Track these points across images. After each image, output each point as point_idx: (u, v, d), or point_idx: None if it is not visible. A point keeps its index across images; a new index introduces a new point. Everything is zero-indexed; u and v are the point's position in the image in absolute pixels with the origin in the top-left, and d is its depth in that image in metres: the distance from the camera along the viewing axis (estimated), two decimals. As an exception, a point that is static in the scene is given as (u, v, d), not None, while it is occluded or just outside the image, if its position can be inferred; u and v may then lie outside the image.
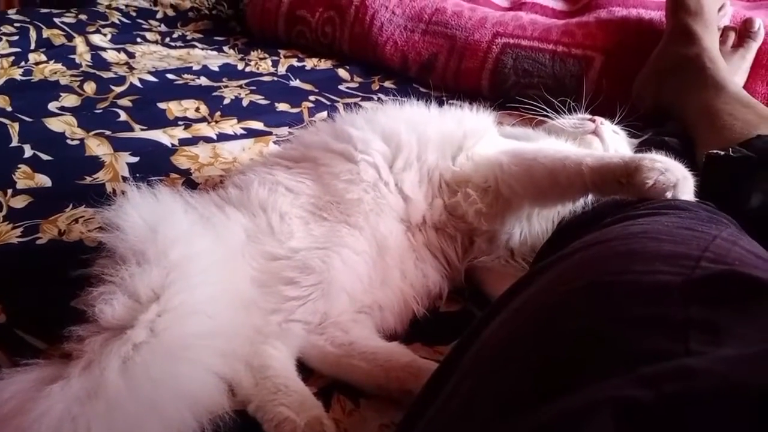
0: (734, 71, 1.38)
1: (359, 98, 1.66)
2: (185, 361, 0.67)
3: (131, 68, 1.67)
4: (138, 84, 1.54)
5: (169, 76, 1.61)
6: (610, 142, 1.08)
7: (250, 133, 1.38)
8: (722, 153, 0.99)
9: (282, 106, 1.53)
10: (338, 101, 1.62)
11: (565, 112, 1.17)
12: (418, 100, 1.69)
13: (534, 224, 0.95)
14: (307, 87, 1.67)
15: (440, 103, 1.67)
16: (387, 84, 1.77)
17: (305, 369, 0.77)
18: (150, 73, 1.61)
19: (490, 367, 0.45)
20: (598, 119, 1.10)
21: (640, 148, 1.16)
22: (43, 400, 0.59)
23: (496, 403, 0.41)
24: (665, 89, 1.37)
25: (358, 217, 0.87)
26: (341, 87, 1.72)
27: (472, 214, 0.93)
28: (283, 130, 1.41)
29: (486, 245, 0.95)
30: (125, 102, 1.45)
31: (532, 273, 0.57)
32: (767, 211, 0.88)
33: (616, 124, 1.17)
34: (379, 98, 1.67)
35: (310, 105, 1.56)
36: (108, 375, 0.61)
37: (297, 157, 0.97)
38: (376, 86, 1.75)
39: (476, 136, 0.99)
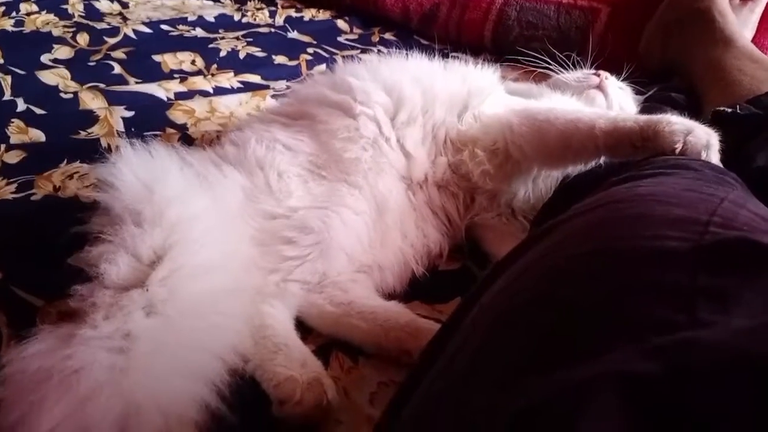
0: (742, 25, 1.35)
1: (359, 50, 1.62)
2: (211, 316, 0.66)
3: (125, 18, 1.63)
4: (132, 35, 1.51)
5: (164, 27, 1.57)
6: (615, 97, 1.05)
7: (247, 87, 1.35)
8: (729, 110, 0.97)
9: (279, 59, 1.50)
10: (337, 54, 1.58)
11: (569, 67, 1.15)
12: (419, 53, 1.67)
13: (539, 184, 0.93)
14: (306, 39, 1.63)
15: (443, 57, 1.65)
16: (387, 36, 1.73)
17: (304, 327, 0.77)
18: (144, 24, 1.57)
19: (493, 332, 0.45)
20: (603, 74, 1.07)
21: (646, 104, 1.14)
22: (77, 347, 0.57)
23: (499, 369, 0.41)
24: (673, 43, 1.34)
25: (357, 176, 0.85)
26: (340, 39, 1.68)
27: (478, 174, 0.91)
28: (281, 84, 1.38)
29: (487, 203, 0.94)
30: (119, 54, 1.42)
31: (534, 237, 0.56)
32: (773, 170, 0.87)
33: (621, 80, 1.14)
34: (379, 51, 1.63)
35: (309, 57, 1.53)
36: (135, 319, 0.61)
37: (294, 113, 0.94)
38: (376, 38, 1.71)
39: (482, 94, 0.97)
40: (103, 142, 1.09)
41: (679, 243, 0.41)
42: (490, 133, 0.92)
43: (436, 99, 0.94)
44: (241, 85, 1.36)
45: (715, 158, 0.76)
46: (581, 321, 0.38)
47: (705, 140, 0.75)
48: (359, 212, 0.83)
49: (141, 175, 0.75)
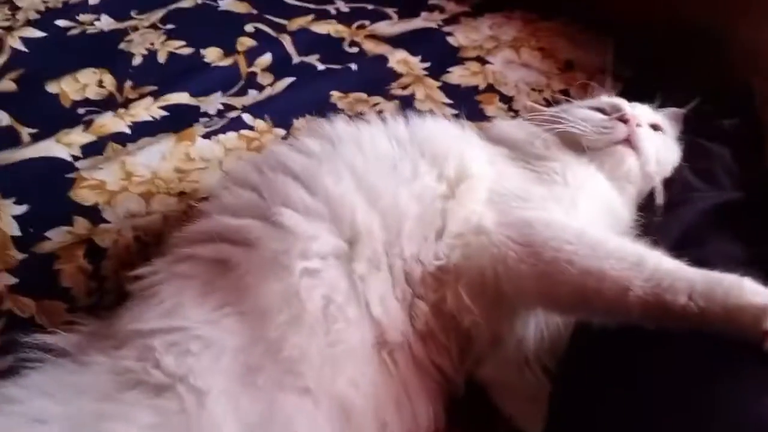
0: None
1: (312, 15, 1.28)
2: None
3: (13, 10, 1.27)
4: (21, 47, 1.17)
5: (60, 22, 1.23)
6: (649, 151, 0.77)
7: (173, 116, 1.06)
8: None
9: (211, 55, 1.18)
10: (285, 25, 1.25)
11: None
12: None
13: (554, 317, 0.70)
14: (243, 9, 1.29)
15: (418, 4, 1.32)
16: (347, -24, 1.37)
17: None
18: (35, 22, 1.22)
19: None
20: (633, 117, 0.78)
21: (689, 138, 0.85)
22: None
23: None
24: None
25: (306, 379, 0.62)
26: (288, -4, 1.33)
27: (468, 321, 0.68)
28: (215, 100, 1.09)
29: (489, 347, 0.71)
30: (7, 85, 1.10)
31: None
32: None
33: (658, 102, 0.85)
34: (337, 9, 1.30)
35: (249, 44, 1.20)
36: None
37: (214, 259, 0.69)
38: (334, -15, 1.36)
39: (467, 192, 0.71)
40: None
41: None
42: (477, 261, 0.67)
43: (402, 224, 0.68)
44: (166, 113, 1.07)
45: None
46: None
47: None
48: (317, 433, 0.61)
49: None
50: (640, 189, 0.79)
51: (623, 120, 0.77)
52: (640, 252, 0.61)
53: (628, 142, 0.77)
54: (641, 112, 0.80)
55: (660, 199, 0.76)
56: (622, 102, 0.82)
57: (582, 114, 0.80)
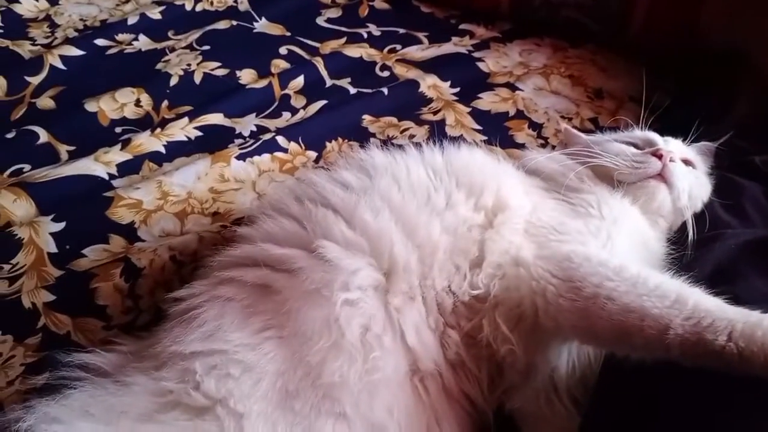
0: None
1: (344, 38, 1.30)
2: None
3: (53, 27, 1.31)
4: (60, 65, 1.20)
5: (99, 42, 1.26)
6: (681, 185, 0.78)
7: (208, 136, 1.08)
8: None
9: (246, 76, 1.20)
10: (317, 47, 1.28)
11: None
12: (420, 22, 1.35)
13: (585, 348, 0.71)
14: (277, 31, 1.31)
15: (448, 29, 1.34)
16: (378, 4, 1.39)
17: None
18: (75, 40, 1.25)
19: None
20: (666, 152, 0.78)
21: (719, 172, 0.86)
22: None
23: None
24: (746, 19, 1.02)
25: (344, 404, 0.63)
26: (320, 21, 1.35)
27: (504, 351, 0.68)
28: (249, 122, 1.11)
29: (519, 378, 0.71)
30: (46, 102, 1.14)
31: None
32: None
33: (691, 137, 0.85)
34: (369, 33, 1.32)
35: (283, 65, 1.23)
36: None
37: (255, 282, 0.70)
38: (364, 11, 1.38)
39: (502, 217, 0.72)
40: (26, 301, 0.86)
41: None
42: (516, 292, 0.68)
43: (435, 257, 0.69)
44: (200, 133, 1.09)
45: None
46: None
47: None
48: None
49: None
50: (671, 223, 0.80)
51: (657, 155, 0.78)
52: (681, 290, 0.61)
53: (661, 176, 0.77)
54: (674, 147, 0.81)
55: (692, 233, 0.76)
56: (655, 136, 0.83)
57: (615, 148, 0.81)
